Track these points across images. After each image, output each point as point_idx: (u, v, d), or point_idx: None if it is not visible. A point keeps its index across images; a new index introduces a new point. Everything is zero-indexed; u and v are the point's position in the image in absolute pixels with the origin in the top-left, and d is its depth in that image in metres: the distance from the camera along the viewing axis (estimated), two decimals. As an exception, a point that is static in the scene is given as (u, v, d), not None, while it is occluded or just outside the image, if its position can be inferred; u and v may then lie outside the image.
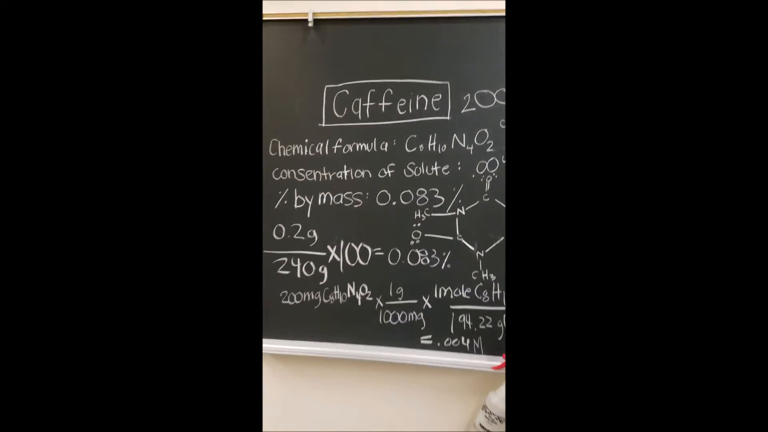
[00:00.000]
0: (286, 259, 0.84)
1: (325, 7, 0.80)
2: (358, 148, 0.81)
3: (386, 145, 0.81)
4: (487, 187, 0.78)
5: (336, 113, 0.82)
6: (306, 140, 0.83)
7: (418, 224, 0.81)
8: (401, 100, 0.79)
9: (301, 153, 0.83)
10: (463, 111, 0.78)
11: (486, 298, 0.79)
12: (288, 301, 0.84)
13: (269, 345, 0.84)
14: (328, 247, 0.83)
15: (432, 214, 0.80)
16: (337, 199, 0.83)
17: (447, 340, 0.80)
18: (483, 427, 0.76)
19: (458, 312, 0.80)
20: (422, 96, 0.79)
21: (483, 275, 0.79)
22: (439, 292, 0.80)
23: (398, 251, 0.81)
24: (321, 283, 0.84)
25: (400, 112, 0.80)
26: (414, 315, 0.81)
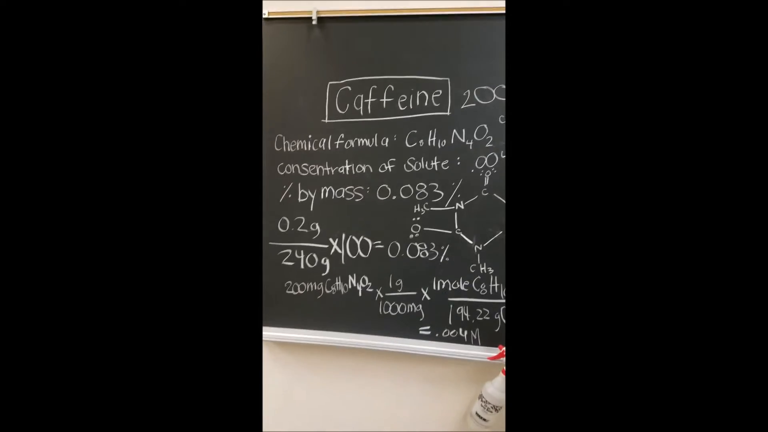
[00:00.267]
0: (290, 250, 0.87)
1: (329, 5, 0.82)
2: (359, 144, 0.83)
3: (387, 140, 0.82)
4: (486, 181, 0.80)
5: (339, 109, 0.84)
6: (309, 136, 0.85)
7: (418, 218, 0.83)
8: (402, 96, 0.81)
9: (305, 148, 0.86)
10: (462, 107, 0.79)
11: (483, 291, 0.81)
12: (292, 291, 0.87)
13: (273, 333, 0.87)
14: (330, 239, 0.86)
15: (431, 208, 0.82)
16: (339, 193, 0.85)
17: (445, 331, 0.82)
18: (479, 416, 0.78)
19: (456, 304, 0.82)
20: (423, 92, 0.80)
21: (481, 268, 0.81)
22: (438, 285, 0.82)
23: (398, 244, 0.83)
24: (323, 274, 0.86)
25: (401, 108, 0.81)
26: (413, 306, 0.84)
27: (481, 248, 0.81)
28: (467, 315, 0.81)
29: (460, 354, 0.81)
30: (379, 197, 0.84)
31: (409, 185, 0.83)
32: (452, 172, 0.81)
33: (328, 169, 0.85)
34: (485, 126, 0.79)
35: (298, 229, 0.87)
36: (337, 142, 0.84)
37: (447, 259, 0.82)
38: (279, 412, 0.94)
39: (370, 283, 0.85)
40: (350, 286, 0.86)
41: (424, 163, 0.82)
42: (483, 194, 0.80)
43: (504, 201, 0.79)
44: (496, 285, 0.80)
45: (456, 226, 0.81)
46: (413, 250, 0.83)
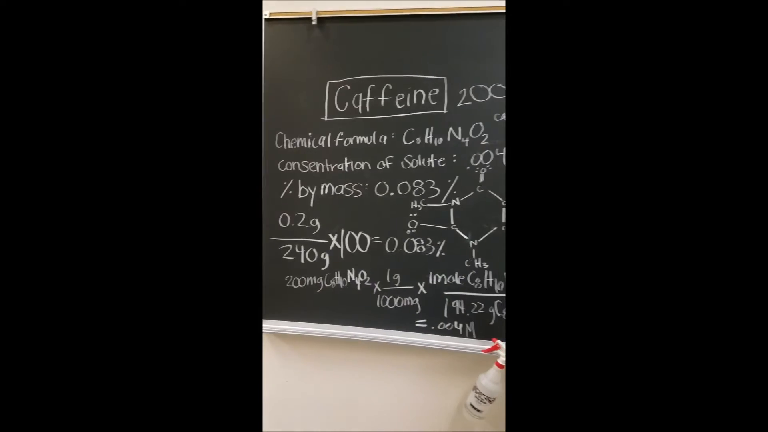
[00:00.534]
0: (291, 245, 0.90)
1: (328, 6, 0.84)
2: (358, 141, 0.85)
3: (385, 138, 0.84)
4: (481, 178, 0.81)
5: (338, 107, 0.86)
6: (309, 133, 0.88)
7: (415, 214, 0.85)
8: (400, 94, 0.83)
9: (305, 146, 0.88)
10: (458, 105, 0.81)
11: (478, 285, 0.83)
12: (292, 285, 0.90)
13: (274, 325, 0.90)
14: (330, 235, 0.88)
15: (428, 205, 0.84)
16: (338, 189, 0.87)
17: (440, 324, 0.84)
18: (473, 407, 0.80)
19: (452, 298, 0.84)
20: (420, 90, 0.82)
21: (476, 263, 0.83)
22: (434, 279, 0.84)
23: (395, 239, 0.86)
24: (323, 268, 0.89)
25: (399, 106, 0.83)
26: (409, 300, 0.86)
27: (476, 243, 0.82)
28: (462, 308, 0.83)
29: (455, 346, 0.83)
30: (377, 194, 0.86)
31: (406, 182, 0.85)
32: (448, 169, 0.82)
33: (327, 166, 0.87)
34: (481, 124, 0.80)
35: (299, 225, 0.89)
36: (337, 139, 0.86)
37: (443, 254, 0.84)
38: (278, 401, 0.97)
39: (368, 278, 0.87)
40: (349, 280, 0.88)
41: (421, 161, 0.84)
42: (478, 191, 0.82)
43: (499, 197, 0.81)
44: (490, 279, 0.82)
45: (452, 222, 0.83)
46: (410, 246, 0.85)
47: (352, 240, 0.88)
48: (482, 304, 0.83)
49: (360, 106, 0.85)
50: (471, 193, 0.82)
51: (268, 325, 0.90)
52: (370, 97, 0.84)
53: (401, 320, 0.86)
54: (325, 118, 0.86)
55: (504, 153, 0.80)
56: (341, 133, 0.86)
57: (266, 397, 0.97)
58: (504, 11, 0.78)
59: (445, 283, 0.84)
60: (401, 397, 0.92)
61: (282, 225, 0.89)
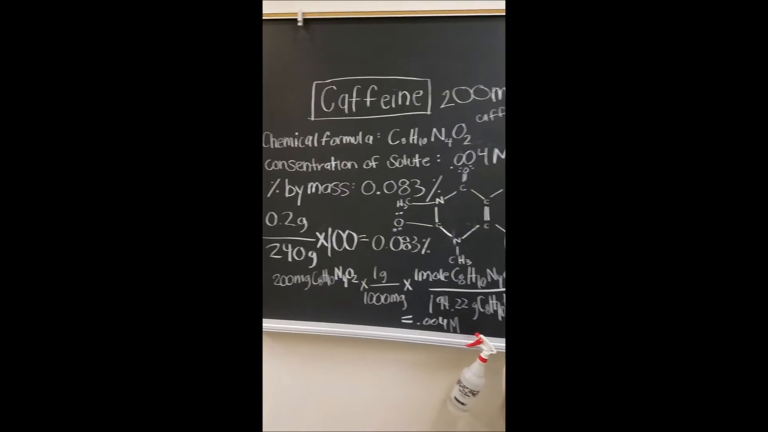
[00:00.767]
0: (278, 244, 0.90)
1: (314, 7, 0.85)
2: (344, 141, 0.87)
3: (371, 138, 0.86)
4: (464, 178, 0.84)
5: (324, 108, 0.87)
6: (296, 133, 0.88)
7: (401, 212, 0.86)
8: (385, 95, 0.84)
9: (292, 145, 0.89)
10: (442, 106, 0.83)
11: (462, 281, 0.85)
12: (280, 284, 0.90)
13: (262, 324, 0.90)
14: (317, 233, 0.89)
15: (413, 203, 0.86)
16: (326, 188, 0.88)
17: (426, 319, 0.86)
18: (458, 400, 0.83)
19: (436, 294, 0.86)
20: (404, 92, 0.84)
21: (459, 260, 0.85)
22: (419, 276, 0.86)
23: (382, 237, 0.87)
24: (310, 267, 0.90)
25: (384, 107, 0.85)
26: (396, 296, 0.87)
27: (459, 241, 0.85)
28: (446, 304, 0.86)
29: (440, 341, 0.86)
30: (363, 192, 0.87)
31: (392, 181, 0.86)
32: (433, 169, 0.84)
33: (314, 165, 0.88)
34: (463, 125, 0.83)
35: (286, 224, 0.90)
36: (323, 139, 0.87)
37: (428, 251, 0.86)
38: (266, 398, 0.98)
39: (355, 275, 0.89)
40: (336, 278, 0.89)
41: (407, 160, 0.85)
42: (461, 190, 0.84)
43: (481, 196, 0.83)
44: (473, 276, 0.85)
45: (436, 220, 0.85)
46: (396, 243, 0.87)
47: (339, 238, 0.89)
48: (466, 300, 0.85)
49: (346, 106, 0.86)
50: (454, 192, 0.84)
51: (256, 324, 0.90)
52: (356, 97, 0.85)
53: (388, 317, 0.88)
54: (312, 118, 0.87)
55: (485, 153, 0.83)
56: (328, 133, 0.87)
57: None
58: (485, 15, 0.80)
59: (430, 279, 0.86)
60: (388, 391, 0.94)
61: (269, 224, 0.90)
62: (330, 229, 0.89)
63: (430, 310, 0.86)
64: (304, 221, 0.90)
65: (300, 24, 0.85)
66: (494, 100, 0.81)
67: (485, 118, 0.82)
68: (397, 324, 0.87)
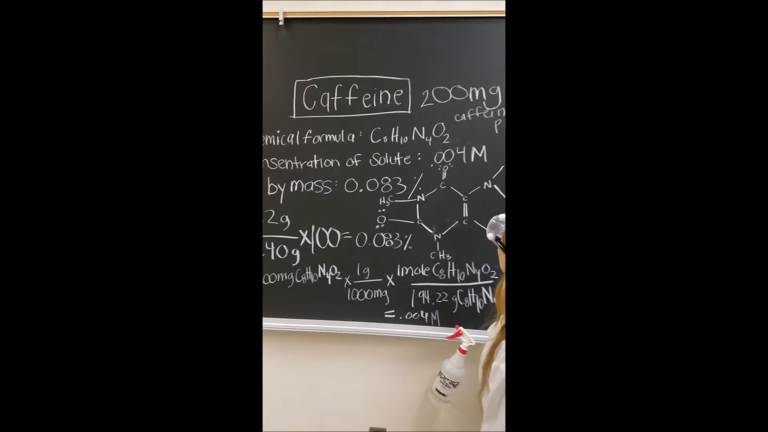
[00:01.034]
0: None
1: (295, 6, 0.85)
2: (326, 139, 0.88)
3: (353, 136, 0.87)
4: (444, 175, 0.86)
5: (306, 106, 0.87)
6: (278, 131, 0.89)
7: (383, 210, 0.88)
8: (366, 94, 0.86)
9: (274, 143, 0.89)
10: (422, 106, 0.85)
11: (442, 276, 0.88)
12: (263, 282, 0.91)
13: (246, 322, 0.90)
14: (300, 231, 0.90)
15: (395, 201, 0.88)
16: (308, 186, 0.89)
17: (408, 313, 0.89)
18: (439, 392, 0.85)
19: (418, 288, 0.88)
20: (385, 91, 0.86)
21: (440, 255, 0.87)
22: (401, 271, 0.88)
23: (365, 234, 0.89)
24: (293, 264, 0.91)
25: (365, 106, 0.86)
26: (379, 292, 0.89)
27: (440, 237, 0.87)
28: (428, 298, 0.88)
29: (422, 334, 0.88)
30: (346, 190, 0.89)
31: (374, 179, 0.88)
32: (414, 167, 0.86)
33: (296, 163, 0.89)
34: (442, 124, 0.85)
35: (268, 222, 0.90)
36: (305, 137, 0.88)
37: (410, 247, 0.88)
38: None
39: (339, 272, 0.90)
40: (320, 275, 0.90)
41: (388, 158, 0.87)
42: (441, 187, 0.86)
43: (460, 193, 0.86)
44: (453, 270, 0.87)
45: (418, 217, 0.88)
46: (379, 240, 0.89)
47: (322, 236, 0.90)
48: (446, 294, 0.88)
49: (328, 104, 0.87)
50: (435, 190, 0.87)
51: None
52: (338, 96, 0.87)
53: (371, 312, 0.89)
54: (294, 116, 0.88)
55: (464, 151, 0.85)
56: (310, 131, 0.88)
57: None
58: (463, 16, 0.83)
59: (412, 275, 0.88)
60: (371, 385, 0.96)
61: (252, 222, 0.90)
62: (313, 227, 0.90)
63: (412, 305, 0.89)
64: (287, 219, 0.90)
65: (281, 23, 0.86)
66: (472, 99, 0.84)
67: (463, 117, 0.84)
68: (381, 319, 0.89)
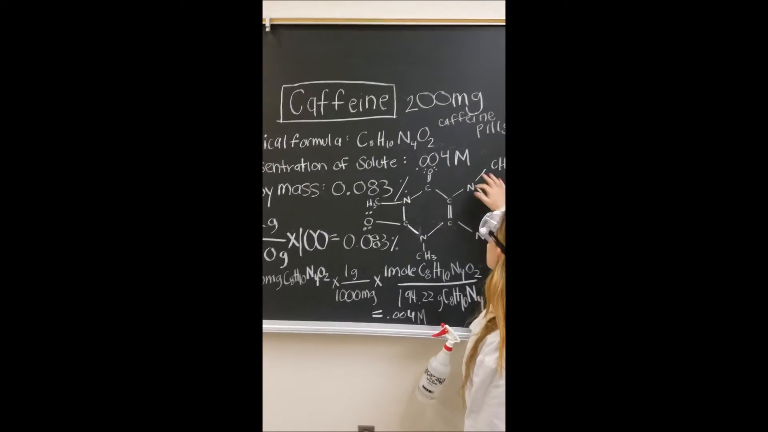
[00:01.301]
0: (249, 245, 0.91)
1: (281, 12, 0.86)
2: (313, 143, 0.89)
3: (340, 140, 0.89)
4: (429, 178, 0.89)
5: (293, 110, 0.89)
6: (265, 135, 0.90)
7: (370, 212, 0.90)
8: (352, 99, 0.88)
9: (261, 147, 0.90)
10: (407, 111, 0.87)
11: (428, 276, 0.90)
12: (251, 284, 0.91)
13: (234, 325, 0.90)
14: (288, 234, 0.91)
15: (382, 203, 0.90)
16: (296, 189, 0.90)
17: (395, 313, 0.91)
18: (425, 388, 0.87)
19: (405, 288, 0.90)
20: (371, 96, 0.88)
21: (426, 256, 0.90)
22: (389, 272, 0.90)
23: (352, 236, 0.90)
24: (281, 267, 0.91)
25: (352, 111, 0.88)
26: (366, 293, 0.91)
27: (425, 238, 0.90)
28: (414, 298, 0.90)
29: (408, 333, 0.90)
30: (334, 193, 0.90)
31: (361, 182, 0.90)
32: (399, 170, 0.89)
33: (284, 167, 0.90)
34: (427, 129, 0.88)
35: (257, 225, 0.91)
36: (293, 141, 0.89)
37: (397, 248, 0.90)
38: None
39: (327, 274, 0.91)
40: (308, 277, 0.91)
41: (375, 162, 0.89)
42: (426, 190, 0.89)
43: (444, 195, 0.89)
44: (438, 270, 0.90)
45: (404, 219, 0.90)
46: (366, 242, 0.90)
47: (310, 238, 0.91)
48: (432, 293, 0.90)
49: (314, 109, 0.88)
50: (420, 192, 0.89)
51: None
52: (324, 101, 0.88)
53: (359, 312, 0.91)
54: (281, 121, 0.89)
55: (447, 155, 0.88)
56: (297, 135, 0.89)
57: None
58: (446, 24, 0.85)
59: (399, 275, 0.90)
60: (359, 384, 0.97)
61: (239, 225, 0.91)
62: (301, 229, 0.91)
63: (399, 304, 0.91)
64: (275, 222, 0.91)
65: (268, 29, 0.86)
66: (455, 105, 0.87)
67: (447, 122, 0.87)
68: (368, 319, 0.91)
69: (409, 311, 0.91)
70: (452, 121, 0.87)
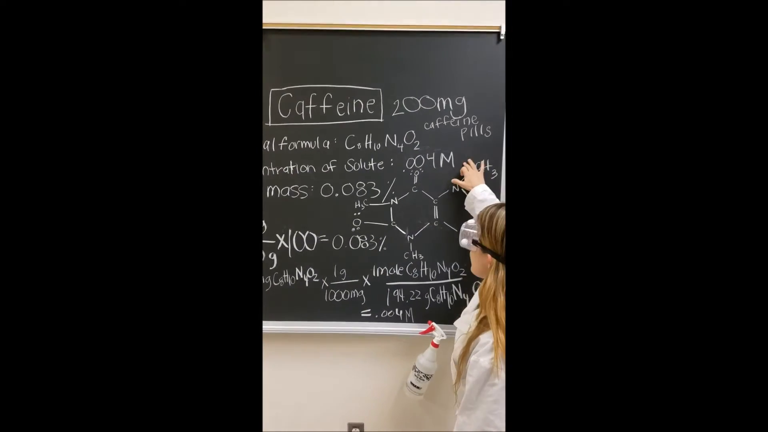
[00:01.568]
0: (238, 247, 0.92)
1: (269, 17, 0.87)
2: (302, 146, 0.90)
3: (328, 143, 0.90)
4: (415, 180, 0.91)
5: (281, 114, 0.90)
6: (254, 138, 0.90)
7: (358, 213, 0.92)
8: (340, 103, 0.89)
9: (250, 149, 0.90)
10: (393, 114, 0.90)
11: (415, 275, 0.92)
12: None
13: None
14: (277, 235, 0.92)
15: (370, 204, 0.92)
16: (284, 191, 0.91)
17: (383, 312, 0.93)
18: (413, 385, 0.89)
19: (393, 287, 0.93)
20: (358, 100, 0.90)
21: (413, 255, 0.92)
22: (377, 272, 0.92)
23: (341, 237, 0.92)
24: (271, 268, 0.92)
25: (339, 114, 0.90)
26: (355, 292, 0.93)
27: (412, 238, 0.92)
28: (402, 297, 0.93)
29: (396, 331, 0.92)
30: (322, 195, 0.92)
31: (349, 183, 0.91)
32: (387, 172, 0.91)
33: (273, 169, 0.91)
34: (413, 132, 0.90)
35: (246, 226, 0.91)
36: (281, 144, 0.90)
37: (385, 248, 0.92)
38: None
39: (316, 274, 0.93)
40: (297, 278, 0.93)
41: (363, 164, 0.91)
42: (413, 191, 0.91)
43: (430, 196, 0.91)
44: (425, 269, 0.92)
45: (392, 220, 0.92)
46: (355, 242, 0.92)
47: (299, 239, 0.92)
48: (419, 292, 0.93)
49: (303, 112, 0.90)
50: (407, 193, 0.91)
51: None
52: (312, 104, 0.90)
53: (348, 312, 0.93)
54: (269, 124, 0.90)
55: (433, 157, 0.91)
56: (285, 138, 0.90)
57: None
58: (431, 30, 0.88)
59: (387, 274, 0.92)
60: (349, 382, 0.99)
61: (228, 227, 0.91)
62: (290, 231, 0.92)
63: (387, 303, 0.93)
64: (264, 224, 0.92)
65: (255, 32, 0.87)
66: (439, 109, 0.90)
67: (432, 125, 0.90)
68: (357, 318, 0.93)
69: (397, 310, 0.93)
70: (437, 124, 0.90)
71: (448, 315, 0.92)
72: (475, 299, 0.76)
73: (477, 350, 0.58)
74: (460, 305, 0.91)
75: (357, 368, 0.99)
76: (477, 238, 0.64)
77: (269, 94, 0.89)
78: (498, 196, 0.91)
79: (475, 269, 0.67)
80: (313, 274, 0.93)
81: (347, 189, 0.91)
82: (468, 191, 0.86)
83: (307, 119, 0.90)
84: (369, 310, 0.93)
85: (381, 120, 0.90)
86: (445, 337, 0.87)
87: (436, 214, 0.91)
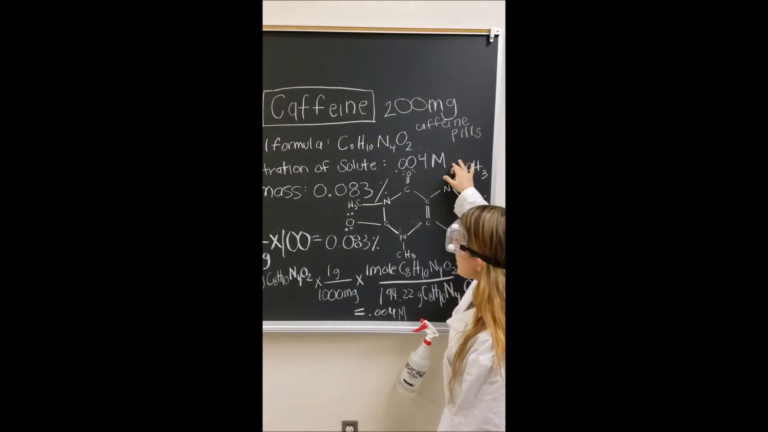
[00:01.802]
0: (231, 248, 0.92)
1: (262, 20, 0.88)
2: (295, 147, 0.91)
3: (321, 143, 0.91)
4: (408, 180, 0.93)
5: (274, 115, 0.90)
6: (247, 139, 0.91)
7: (351, 213, 0.93)
8: (332, 104, 0.90)
9: (243, 150, 0.91)
10: (385, 116, 0.91)
11: (408, 274, 0.94)
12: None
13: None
14: (271, 235, 0.92)
15: (363, 204, 0.93)
16: (278, 192, 0.92)
17: (377, 310, 0.94)
18: (406, 382, 0.91)
19: (386, 286, 0.94)
20: (351, 101, 0.91)
21: (405, 254, 0.94)
22: (370, 271, 0.94)
23: (334, 237, 0.93)
24: (264, 268, 0.93)
25: (332, 115, 0.91)
26: (349, 291, 0.94)
27: (405, 237, 0.93)
28: (395, 295, 0.94)
29: (389, 329, 0.94)
30: (316, 195, 0.92)
31: (342, 184, 0.92)
32: (379, 173, 0.92)
33: (266, 170, 0.91)
34: (405, 133, 0.91)
35: (239, 227, 0.91)
36: (274, 144, 0.91)
37: (378, 248, 0.93)
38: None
39: (309, 274, 0.93)
40: (291, 278, 0.93)
41: (355, 165, 0.92)
42: (405, 191, 0.93)
43: (422, 196, 0.93)
44: (418, 268, 0.94)
45: (384, 219, 0.93)
46: (348, 242, 0.93)
47: (293, 239, 0.93)
48: (412, 290, 0.94)
49: (296, 114, 0.90)
50: (399, 194, 0.93)
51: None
52: (305, 105, 0.90)
53: (342, 311, 0.94)
54: (262, 125, 0.90)
55: (425, 158, 0.92)
56: (278, 139, 0.91)
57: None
58: (421, 33, 0.89)
59: (380, 273, 0.94)
60: (342, 380, 1.00)
61: (221, 228, 0.91)
62: (283, 231, 0.93)
63: (380, 302, 0.94)
64: (258, 224, 0.92)
65: (248, 34, 0.88)
66: (430, 110, 0.91)
67: (423, 127, 0.91)
68: (351, 317, 0.94)
69: (390, 308, 0.94)
70: (428, 125, 0.91)
71: (440, 313, 0.93)
72: (467, 298, 0.78)
73: (476, 348, 0.58)
74: (451, 303, 0.93)
75: (350, 367, 1.00)
76: (464, 243, 0.64)
77: (262, 95, 0.89)
78: (489, 197, 0.93)
79: (462, 271, 0.67)
80: (306, 274, 0.93)
81: (340, 189, 0.92)
82: (458, 192, 0.88)
83: (300, 120, 0.90)
84: (362, 308, 0.94)
85: (373, 121, 0.91)
86: (437, 335, 0.89)
87: (428, 214, 0.93)
